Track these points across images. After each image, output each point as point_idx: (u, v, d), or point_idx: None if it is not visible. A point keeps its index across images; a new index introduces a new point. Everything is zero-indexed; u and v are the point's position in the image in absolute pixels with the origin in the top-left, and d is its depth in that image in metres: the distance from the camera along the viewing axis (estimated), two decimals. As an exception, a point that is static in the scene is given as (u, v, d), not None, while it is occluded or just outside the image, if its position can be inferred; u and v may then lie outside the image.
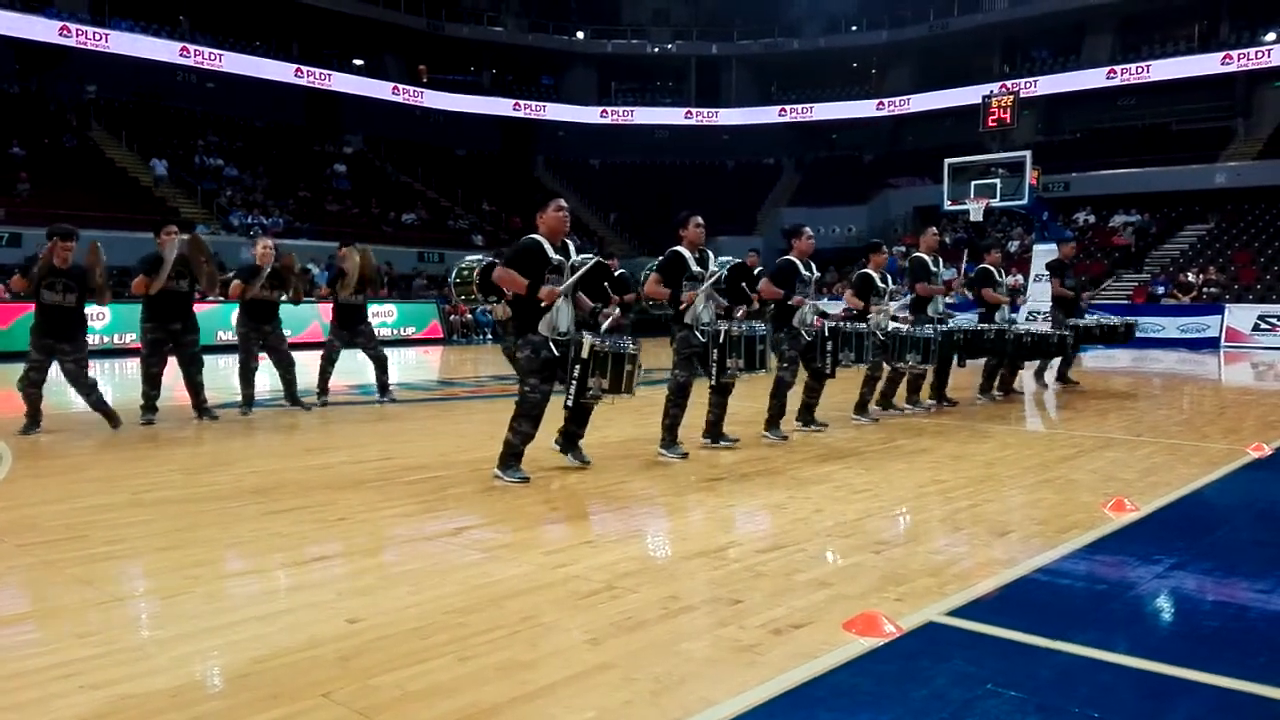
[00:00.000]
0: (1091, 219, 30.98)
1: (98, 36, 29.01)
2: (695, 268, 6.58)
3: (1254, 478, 6.19)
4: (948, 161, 24.39)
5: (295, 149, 33.70)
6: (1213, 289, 24.13)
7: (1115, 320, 11.65)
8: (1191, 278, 24.92)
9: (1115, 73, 33.06)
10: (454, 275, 10.02)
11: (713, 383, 6.78)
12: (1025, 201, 22.88)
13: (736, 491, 5.50)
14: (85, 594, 3.57)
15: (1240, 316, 21.41)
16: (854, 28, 39.30)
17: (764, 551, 4.13)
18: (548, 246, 5.70)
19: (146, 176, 27.53)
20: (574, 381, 5.71)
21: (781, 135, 40.79)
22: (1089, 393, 10.81)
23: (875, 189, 36.27)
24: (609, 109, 40.03)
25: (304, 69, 33.59)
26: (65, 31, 28.30)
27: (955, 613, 3.35)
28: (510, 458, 5.72)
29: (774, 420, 7.44)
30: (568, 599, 3.49)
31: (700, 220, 6.65)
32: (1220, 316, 21.31)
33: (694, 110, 40.41)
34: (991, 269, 10.32)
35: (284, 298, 8.95)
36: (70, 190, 24.19)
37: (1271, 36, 30.87)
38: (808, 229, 7.81)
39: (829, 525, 4.64)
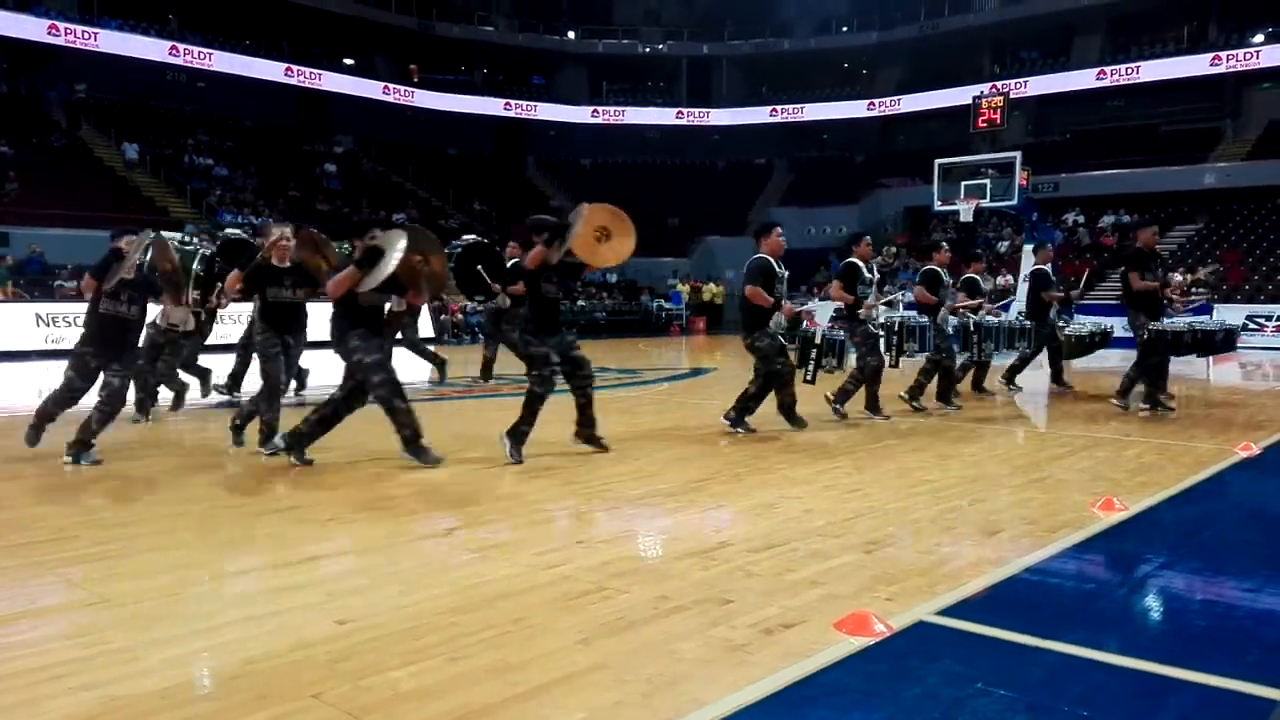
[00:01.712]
0: (1081, 219, 31.10)
1: (87, 35, 28.87)
2: (868, 275, 8.26)
3: (1242, 477, 6.22)
4: (938, 162, 24.43)
5: (285, 148, 33.59)
6: (1201, 289, 24.24)
7: (1212, 324, 9.99)
8: (1179, 277, 25.02)
9: (1105, 74, 33.18)
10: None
11: (893, 364, 8.82)
12: (1015, 202, 22.93)
13: (728, 491, 5.50)
14: (74, 595, 3.55)
15: (1228, 316, 21.49)
16: (844, 28, 39.36)
17: (755, 551, 4.13)
18: (775, 264, 7.43)
19: (136, 176, 27.42)
20: (812, 362, 7.90)
21: (772, 135, 40.82)
22: (1079, 393, 10.83)
23: (866, 189, 36.31)
24: (600, 109, 40.00)
25: (294, 68, 33.49)
26: (54, 30, 28.16)
27: (945, 612, 3.36)
28: (790, 410, 7.65)
29: (945, 394, 9.20)
30: (559, 599, 3.49)
31: (869, 239, 8.57)
32: (1208, 317, 21.39)
33: (685, 110, 40.42)
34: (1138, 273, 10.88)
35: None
36: (59, 190, 24.09)
37: (1260, 38, 31.02)
38: (945, 244, 9.91)
39: (820, 525, 4.64)
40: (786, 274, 7.68)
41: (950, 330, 9.30)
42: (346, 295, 5.97)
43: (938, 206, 24.71)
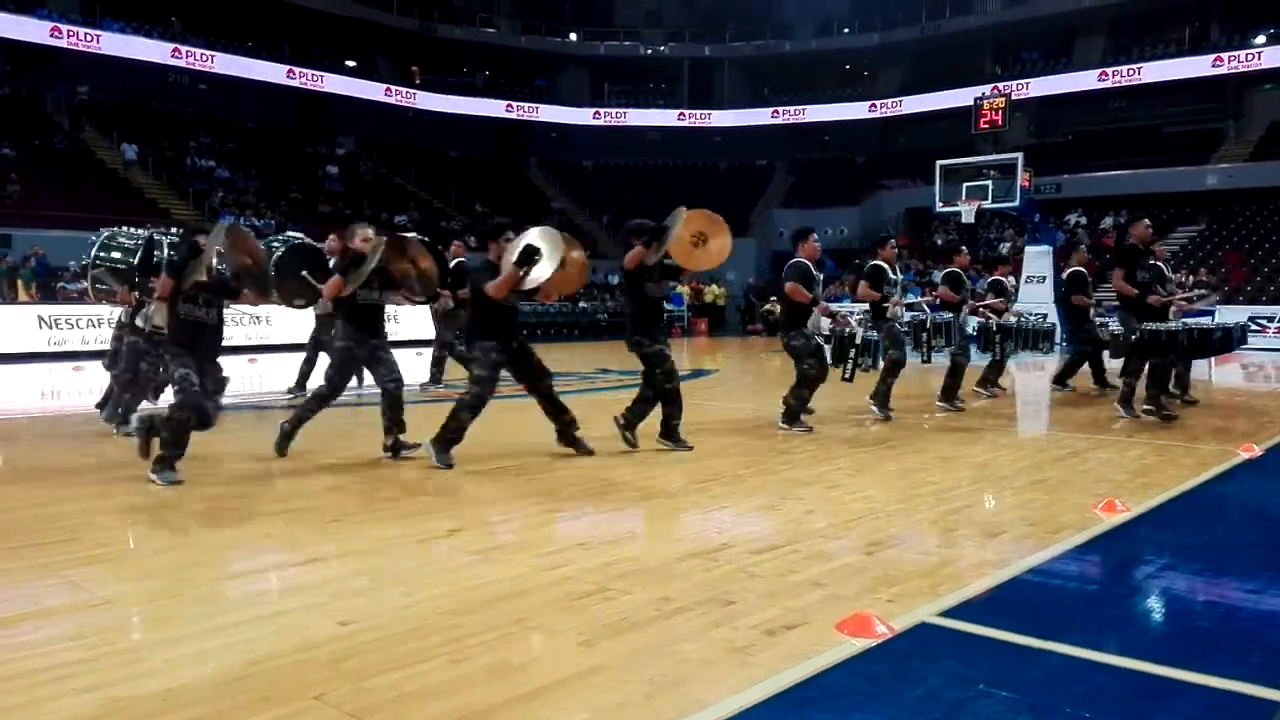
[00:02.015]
0: (1083, 221, 31.09)
1: (89, 37, 28.91)
2: (893, 275, 8.79)
3: (1245, 479, 6.21)
4: (940, 163, 24.41)
5: (287, 150, 33.62)
6: (1204, 290, 24.24)
7: (1209, 324, 9.34)
8: (1182, 279, 25.01)
9: (1107, 75, 33.18)
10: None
11: (925, 360, 9.37)
12: (1017, 203, 22.92)
13: (730, 493, 5.50)
14: (77, 596, 3.55)
15: (1231, 318, 21.50)
16: (846, 30, 39.36)
17: (757, 553, 4.13)
18: (811, 268, 7.85)
19: (138, 178, 27.45)
20: (850, 360, 8.21)
21: (774, 137, 40.82)
22: (1081, 394, 10.82)
23: (867, 190, 36.32)
24: (602, 110, 40.02)
25: (296, 70, 33.53)
26: (56, 32, 28.20)
27: (947, 613, 3.36)
28: (792, 416, 7.85)
29: (950, 394, 9.43)
30: (561, 600, 3.49)
31: (894, 243, 9.16)
32: (1211, 318, 21.39)
33: (687, 112, 40.42)
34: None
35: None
36: (61, 192, 24.11)
37: (1262, 39, 31.01)
38: (965, 247, 11.26)
39: (821, 526, 4.64)
40: (822, 277, 8.16)
41: (971, 330, 9.85)
42: (483, 297, 6.10)
43: (939, 208, 24.70)
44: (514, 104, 38.82)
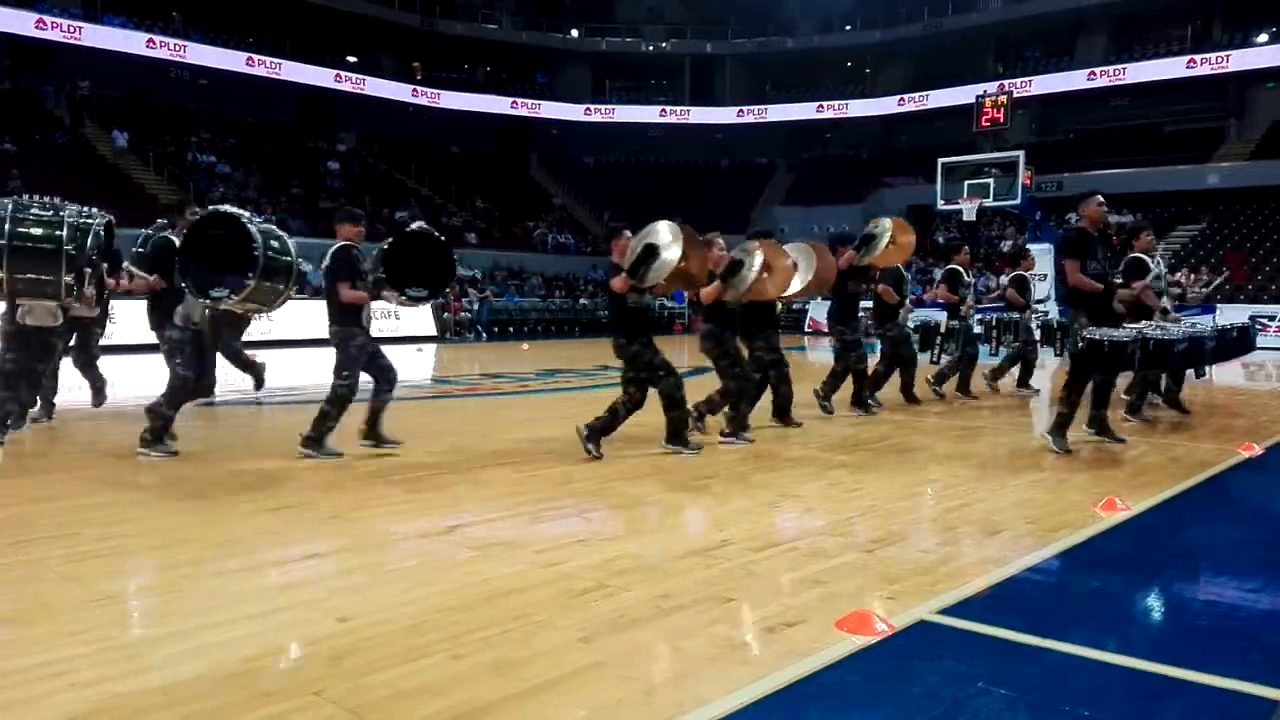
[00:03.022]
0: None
1: (90, 33, 28.90)
2: (967, 279, 9.98)
3: (1244, 478, 6.21)
4: (941, 161, 24.40)
5: (288, 146, 33.60)
6: (1204, 289, 24.22)
7: (1172, 332, 6.98)
8: (1183, 278, 24.98)
9: (1109, 73, 33.15)
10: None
11: (993, 352, 10.72)
12: (1018, 201, 22.95)
13: (729, 490, 5.50)
14: (76, 592, 3.55)
15: (1232, 317, 21.47)
16: (848, 27, 39.32)
17: (757, 550, 4.13)
18: (903, 270, 9.28)
19: (140, 174, 27.44)
20: (937, 346, 10.02)
21: (775, 134, 40.78)
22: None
23: (869, 188, 36.27)
24: (603, 107, 39.99)
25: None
26: (57, 27, 28.19)
27: (947, 611, 3.36)
28: (869, 389, 8.84)
29: (1025, 380, 10.52)
30: (560, 597, 3.49)
31: (967, 248, 10.58)
32: (1212, 317, 21.37)
33: (688, 109, 40.40)
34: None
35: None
36: (62, 187, 24.02)
37: (1263, 38, 30.98)
38: (1030, 250, 12.60)
39: (821, 524, 4.64)
40: (910, 278, 9.42)
41: (1034, 327, 10.95)
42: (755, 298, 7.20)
43: (941, 205, 24.70)
44: (516, 100, 38.79)
